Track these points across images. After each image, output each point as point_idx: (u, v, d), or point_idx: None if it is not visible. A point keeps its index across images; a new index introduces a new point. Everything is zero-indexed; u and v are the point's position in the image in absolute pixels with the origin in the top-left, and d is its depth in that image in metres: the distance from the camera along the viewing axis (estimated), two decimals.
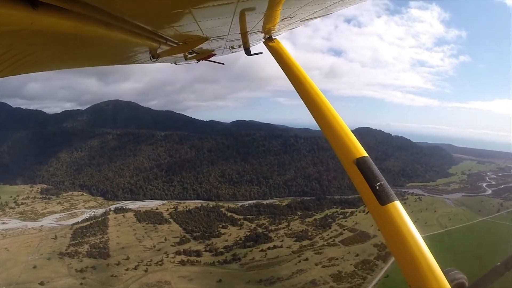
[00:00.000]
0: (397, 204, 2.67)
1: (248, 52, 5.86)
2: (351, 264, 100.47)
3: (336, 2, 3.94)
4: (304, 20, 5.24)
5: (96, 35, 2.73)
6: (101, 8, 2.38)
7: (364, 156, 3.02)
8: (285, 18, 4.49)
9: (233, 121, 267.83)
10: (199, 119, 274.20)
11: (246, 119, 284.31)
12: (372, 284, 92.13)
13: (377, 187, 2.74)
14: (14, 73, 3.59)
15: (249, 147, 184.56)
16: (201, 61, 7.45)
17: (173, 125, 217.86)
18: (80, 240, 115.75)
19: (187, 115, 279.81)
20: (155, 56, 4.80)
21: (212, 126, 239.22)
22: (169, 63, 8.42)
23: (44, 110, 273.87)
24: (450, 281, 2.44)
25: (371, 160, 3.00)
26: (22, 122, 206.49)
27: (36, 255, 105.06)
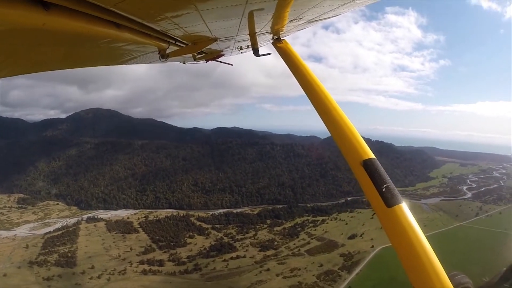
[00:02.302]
0: (404, 206, 2.80)
1: (256, 52, 6.03)
2: (313, 275, 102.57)
3: (344, 4, 4.11)
4: (313, 22, 5.43)
5: (106, 36, 2.98)
6: (111, 9, 2.50)
7: (371, 158, 3.16)
8: (294, 20, 4.64)
9: (213, 128, 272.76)
10: (181, 126, 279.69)
11: (229, 126, 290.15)
12: None
13: (384, 189, 2.86)
14: (25, 72, 3.98)
15: (224, 155, 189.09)
16: (210, 61, 7.86)
17: (153, 134, 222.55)
18: (50, 249, 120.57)
19: (169, 123, 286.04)
20: (164, 56, 5.02)
21: (192, 134, 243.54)
22: (178, 62, 8.81)
23: (28, 117, 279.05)
24: (455, 285, 2.54)
25: (378, 162, 3.14)
26: (1, 131, 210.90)
27: (7, 264, 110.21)
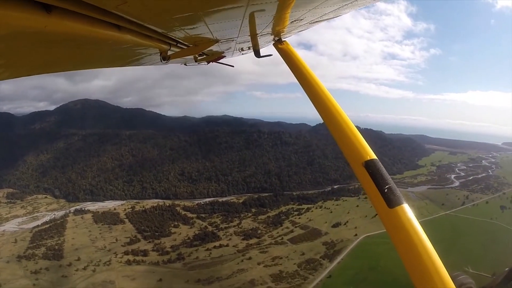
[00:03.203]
0: (406, 207, 2.82)
1: (257, 54, 6.05)
2: (294, 264, 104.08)
3: (345, 5, 4.14)
4: (313, 23, 5.43)
5: (108, 38, 3.01)
6: (113, 12, 2.54)
7: (373, 159, 3.20)
8: (295, 21, 4.66)
9: (203, 117, 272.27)
10: (170, 115, 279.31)
11: (219, 114, 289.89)
12: (312, 285, 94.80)
13: (386, 190, 2.90)
14: (28, 74, 4.06)
15: (212, 144, 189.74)
16: (211, 63, 7.83)
17: (141, 124, 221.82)
18: (38, 243, 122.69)
19: (158, 112, 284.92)
20: (165, 58, 5.04)
21: (181, 123, 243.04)
22: (179, 64, 8.79)
23: (17, 110, 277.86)
24: (458, 286, 2.75)
25: (380, 163, 3.18)
26: None
27: None
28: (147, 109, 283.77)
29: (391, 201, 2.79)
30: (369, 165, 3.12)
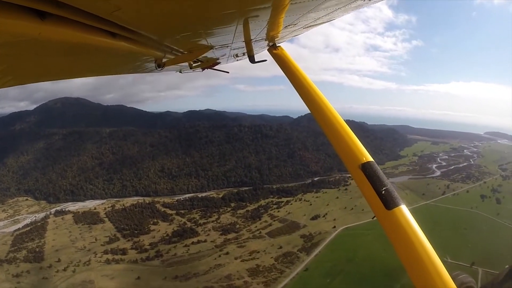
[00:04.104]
0: (403, 208, 2.85)
1: (252, 59, 5.98)
2: (271, 257, 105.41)
3: (338, 9, 4.17)
4: (307, 27, 5.44)
5: (102, 45, 3.00)
6: (108, 19, 2.53)
7: (369, 161, 3.24)
8: (289, 26, 4.67)
9: (185, 112, 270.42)
10: (152, 111, 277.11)
11: (202, 109, 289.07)
12: (288, 279, 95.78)
13: (383, 192, 2.92)
14: (22, 83, 4.08)
15: (192, 139, 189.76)
16: (206, 69, 7.77)
17: (122, 120, 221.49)
18: (19, 246, 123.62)
19: (140, 108, 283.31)
20: (160, 65, 4.99)
21: (163, 118, 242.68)
22: (174, 71, 8.67)
23: None
24: (458, 286, 2.56)
25: (376, 165, 3.21)
26: None
27: None
28: (128, 106, 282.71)
29: (388, 203, 2.87)
30: (365, 167, 3.21)
